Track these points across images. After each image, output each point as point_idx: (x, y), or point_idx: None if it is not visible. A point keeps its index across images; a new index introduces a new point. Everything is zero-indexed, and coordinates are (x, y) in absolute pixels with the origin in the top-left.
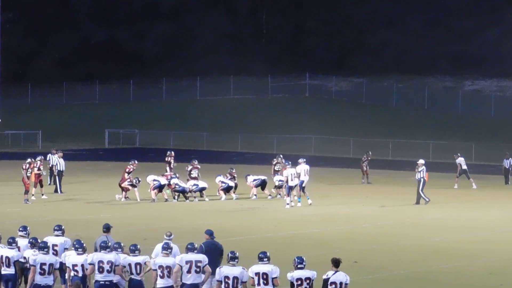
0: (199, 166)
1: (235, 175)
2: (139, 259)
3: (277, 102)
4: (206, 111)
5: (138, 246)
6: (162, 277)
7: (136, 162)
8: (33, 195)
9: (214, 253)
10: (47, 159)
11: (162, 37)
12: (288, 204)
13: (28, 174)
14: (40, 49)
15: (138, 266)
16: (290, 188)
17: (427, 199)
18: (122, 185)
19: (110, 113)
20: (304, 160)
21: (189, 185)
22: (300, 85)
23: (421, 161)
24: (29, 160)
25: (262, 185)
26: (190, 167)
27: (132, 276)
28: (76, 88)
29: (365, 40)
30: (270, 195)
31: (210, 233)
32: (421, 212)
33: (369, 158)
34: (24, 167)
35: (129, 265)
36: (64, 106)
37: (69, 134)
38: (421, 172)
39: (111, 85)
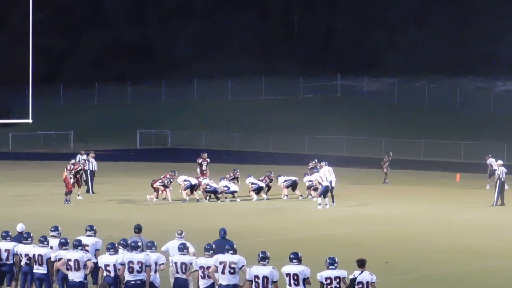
0: (208, 160)
1: (238, 175)
2: (186, 259)
3: (308, 102)
4: (237, 111)
5: (155, 243)
6: (203, 277)
7: (176, 174)
8: (78, 194)
9: (222, 252)
10: (77, 160)
11: (194, 37)
12: (320, 204)
13: (71, 175)
14: (72, 49)
15: (183, 266)
16: (326, 189)
17: (498, 202)
18: (154, 185)
19: (141, 114)
20: (326, 163)
21: (220, 185)
22: (332, 86)
23: (500, 162)
24: (73, 160)
25: (293, 185)
26: (200, 160)
27: (177, 275)
28: (108, 88)
29: (397, 40)
30: (301, 195)
31: (221, 231)
32: (454, 212)
33: (390, 159)
34: (68, 167)
35: (175, 263)
36: (95, 106)
37: (101, 135)
38: (501, 173)
39: (142, 85)
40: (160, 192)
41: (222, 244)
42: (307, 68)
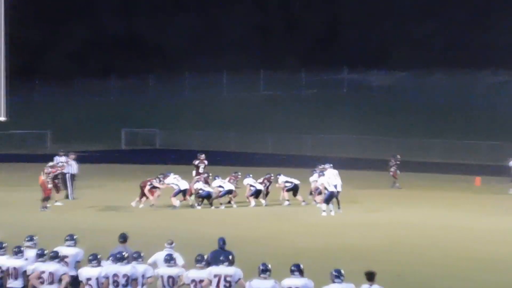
0: (206, 161)
1: (239, 177)
2: (173, 271)
3: (311, 98)
4: (233, 109)
5: (142, 254)
6: None
7: (169, 174)
8: (57, 201)
9: (219, 263)
10: (55, 162)
11: (185, 29)
12: (324, 211)
13: (48, 179)
14: (50, 41)
15: (171, 280)
16: (332, 195)
17: None
18: (145, 190)
19: (127, 111)
20: (331, 165)
21: (214, 185)
22: (337, 80)
23: None
24: (51, 163)
25: (294, 190)
26: (197, 161)
27: None
28: (90, 83)
29: (409, 31)
30: (304, 201)
31: (219, 241)
32: (473, 220)
33: (398, 162)
34: (45, 171)
35: (161, 277)
36: (76, 103)
37: (82, 134)
38: None
39: (128, 80)
40: (149, 197)
41: (217, 255)
42: (310, 61)
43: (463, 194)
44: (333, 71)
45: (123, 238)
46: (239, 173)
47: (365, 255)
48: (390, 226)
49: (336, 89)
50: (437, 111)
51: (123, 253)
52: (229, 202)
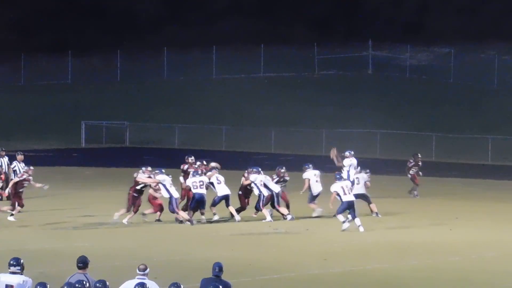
0: (198, 163)
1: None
2: None
3: (326, 82)
4: (225, 95)
5: (107, 284)
6: None
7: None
8: (12, 214)
9: None
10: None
11: None
12: (344, 222)
13: None
14: None
15: None
16: (348, 205)
17: None
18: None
19: (88, 98)
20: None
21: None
22: (360, 58)
23: None
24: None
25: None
26: (186, 166)
27: None
28: (39, 62)
29: None
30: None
31: (215, 268)
32: None
33: (419, 163)
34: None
35: None
36: (22, 88)
37: (30, 128)
38: None
39: (90, 58)
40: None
41: (211, 286)
42: (324, 34)
43: None
44: (354, 47)
45: (83, 263)
46: (192, 157)
47: (396, 285)
48: (426, 248)
49: (358, 70)
50: (489, 98)
51: (83, 282)
52: (232, 216)
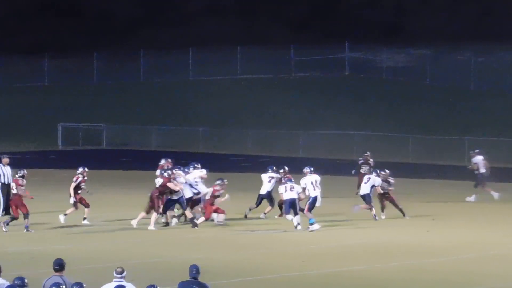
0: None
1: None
2: None
3: (302, 84)
4: (202, 97)
5: (85, 286)
6: None
7: (86, 170)
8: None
9: None
10: None
11: None
12: (294, 220)
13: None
14: None
15: None
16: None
17: None
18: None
19: (64, 100)
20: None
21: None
22: (337, 60)
23: None
24: (23, 172)
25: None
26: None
27: None
28: (16, 64)
29: None
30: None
31: (192, 269)
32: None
33: (370, 161)
34: (20, 182)
35: None
36: None
37: (6, 130)
38: None
39: (66, 60)
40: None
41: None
42: (301, 35)
43: (502, 207)
44: (331, 48)
45: (60, 266)
46: (170, 160)
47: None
48: (406, 250)
49: (335, 72)
50: (466, 99)
51: (60, 285)
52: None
